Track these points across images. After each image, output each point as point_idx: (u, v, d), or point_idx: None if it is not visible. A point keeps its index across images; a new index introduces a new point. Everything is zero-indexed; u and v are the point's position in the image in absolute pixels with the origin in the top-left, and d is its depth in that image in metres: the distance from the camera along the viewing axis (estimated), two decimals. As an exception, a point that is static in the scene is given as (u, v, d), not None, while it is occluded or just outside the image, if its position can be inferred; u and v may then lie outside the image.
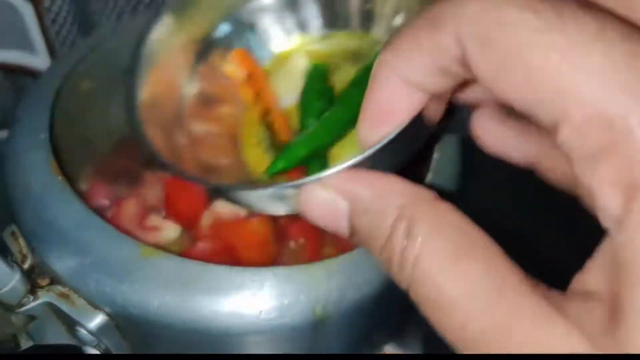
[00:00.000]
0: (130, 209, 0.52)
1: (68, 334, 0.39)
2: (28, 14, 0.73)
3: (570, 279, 0.20)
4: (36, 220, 0.37)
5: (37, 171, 0.39)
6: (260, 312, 0.34)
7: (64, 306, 0.36)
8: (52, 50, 0.76)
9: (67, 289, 0.36)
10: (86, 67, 0.51)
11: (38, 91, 0.45)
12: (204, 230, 0.51)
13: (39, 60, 0.77)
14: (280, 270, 0.35)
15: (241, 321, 0.34)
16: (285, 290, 0.35)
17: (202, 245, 0.48)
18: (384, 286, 0.37)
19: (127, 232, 0.50)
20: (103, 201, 0.54)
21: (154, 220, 0.52)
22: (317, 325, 0.36)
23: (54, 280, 0.37)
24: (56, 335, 0.39)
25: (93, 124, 0.56)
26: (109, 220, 0.50)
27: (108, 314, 0.36)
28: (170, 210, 0.52)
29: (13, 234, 0.39)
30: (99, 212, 0.53)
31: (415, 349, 0.66)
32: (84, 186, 0.54)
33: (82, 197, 0.48)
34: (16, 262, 0.36)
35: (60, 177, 0.39)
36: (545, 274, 0.21)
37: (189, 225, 0.51)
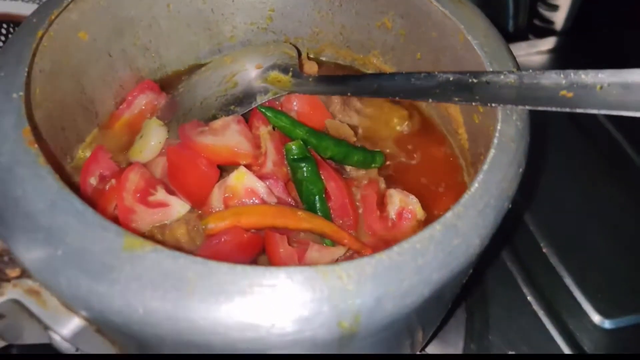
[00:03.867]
0: (133, 181, 0.44)
1: (46, 333, 0.32)
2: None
3: None
4: (2, 198, 0.30)
5: (7, 139, 0.32)
6: (273, 324, 0.27)
7: (34, 306, 0.29)
8: None
9: (38, 284, 0.29)
10: (77, 13, 0.43)
11: (16, 41, 0.38)
12: (214, 207, 0.44)
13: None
14: (299, 272, 0.28)
15: (249, 335, 0.27)
16: (305, 297, 0.27)
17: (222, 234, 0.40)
18: (432, 293, 0.29)
19: (128, 210, 0.44)
20: (104, 172, 0.47)
21: (161, 195, 0.45)
22: (343, 341, 0.28)
23: (25, 273, 0.30)
24: (33, 335, 0.32)
25: (92, 80, 0.49)
26: (107, 194, 0.45)
27: (85, 318, 0.29)
28: (175, 184, 0.45)
29: (-20, 213, 0.32)
30: (99, 183, 0.47)
31: (456, 346, 0.59)
32: (79, 155, 0.47)
33: (65, 172, 0.42)
34: (-23, 251, 0.29)
35: (33, 147, 0.31)
36: None
37: (197, 201, 0.44)
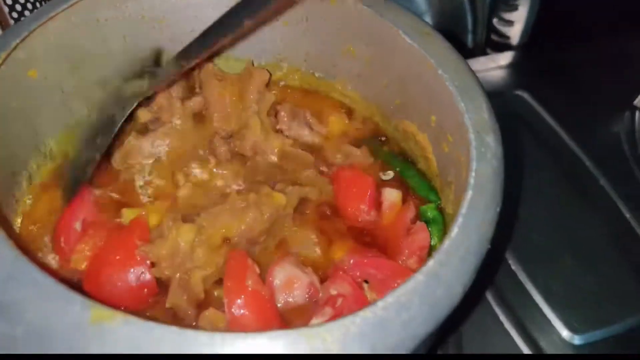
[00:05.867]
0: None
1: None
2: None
3: None
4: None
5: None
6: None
7: (-9, 389, 0.27)
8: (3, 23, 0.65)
9: (-5, 364, 0.27)
10: (25, 52, 0.40)
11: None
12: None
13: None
14: (281, 336, 0.26)
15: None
16: (289, 363, 0.26)
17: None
18: (417, 345, 0.28)
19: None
20: (87, 217, 0.43)
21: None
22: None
23: (-21, 350, 0.28)
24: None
25: (45, 119, 0.46)
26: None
27: (50, 399, 0.27)
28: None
29: None
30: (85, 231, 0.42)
31: None
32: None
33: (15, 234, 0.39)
34: None
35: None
36: None
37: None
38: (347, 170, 0.47)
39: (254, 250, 0.42)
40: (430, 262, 0.29)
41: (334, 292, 0.39)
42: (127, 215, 0.43)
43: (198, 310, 0.39)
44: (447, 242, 0.30)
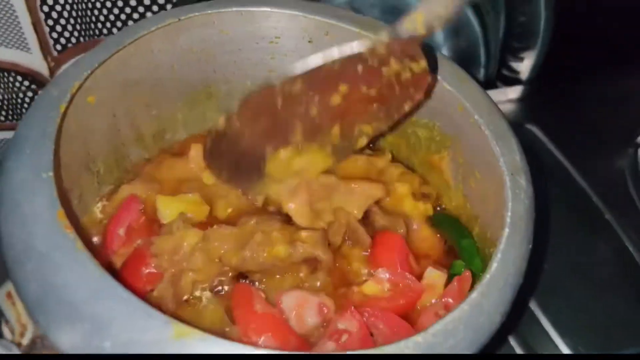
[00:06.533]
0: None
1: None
2: (20, 7, 0.65)
3: None
4: (40, 285, 0.30)
5: (40, 222, 0.32)
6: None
7: (75, 396, 0.29)
8: (45, 49, 0.69)
9: (79, 373, 0.30)
10: (90, 81, 0.43)
11: (37, 115, 0.38)
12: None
13: (33, 58, 0.69)
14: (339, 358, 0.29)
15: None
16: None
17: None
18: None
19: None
20: (132, 223, 0.46)
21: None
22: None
23: (62, 359, 0.30)
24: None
25: (97, 141, 0.49)
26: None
27: (130, 407, 0.29)
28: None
29: (9, 295, 0.32)
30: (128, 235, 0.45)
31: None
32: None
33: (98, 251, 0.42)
34: (12, 341, 0.29)
35: (70, 231, 0.32)
36: None
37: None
38: (392, 237, 0.46)
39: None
40: (474, 294, 0.32)
41: (341, 326, 0.39)
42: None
43: (177, 307, 0.42)
44: (487, 276, 0.33)
